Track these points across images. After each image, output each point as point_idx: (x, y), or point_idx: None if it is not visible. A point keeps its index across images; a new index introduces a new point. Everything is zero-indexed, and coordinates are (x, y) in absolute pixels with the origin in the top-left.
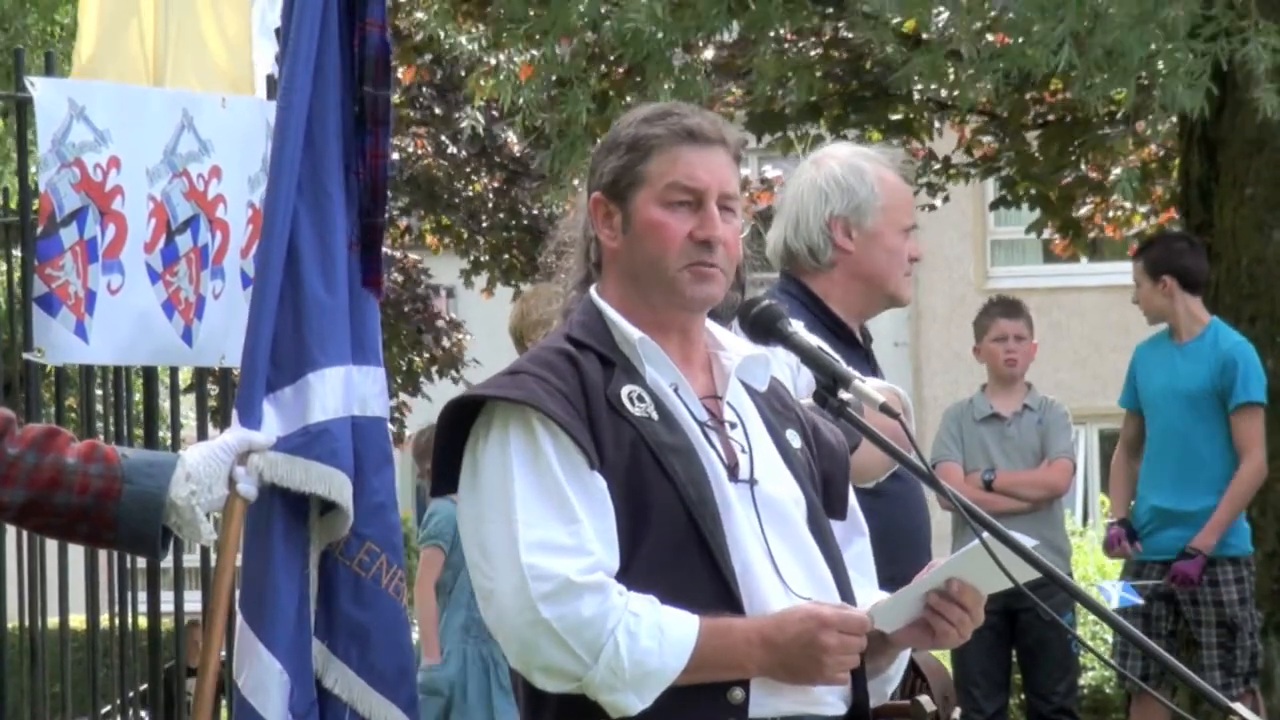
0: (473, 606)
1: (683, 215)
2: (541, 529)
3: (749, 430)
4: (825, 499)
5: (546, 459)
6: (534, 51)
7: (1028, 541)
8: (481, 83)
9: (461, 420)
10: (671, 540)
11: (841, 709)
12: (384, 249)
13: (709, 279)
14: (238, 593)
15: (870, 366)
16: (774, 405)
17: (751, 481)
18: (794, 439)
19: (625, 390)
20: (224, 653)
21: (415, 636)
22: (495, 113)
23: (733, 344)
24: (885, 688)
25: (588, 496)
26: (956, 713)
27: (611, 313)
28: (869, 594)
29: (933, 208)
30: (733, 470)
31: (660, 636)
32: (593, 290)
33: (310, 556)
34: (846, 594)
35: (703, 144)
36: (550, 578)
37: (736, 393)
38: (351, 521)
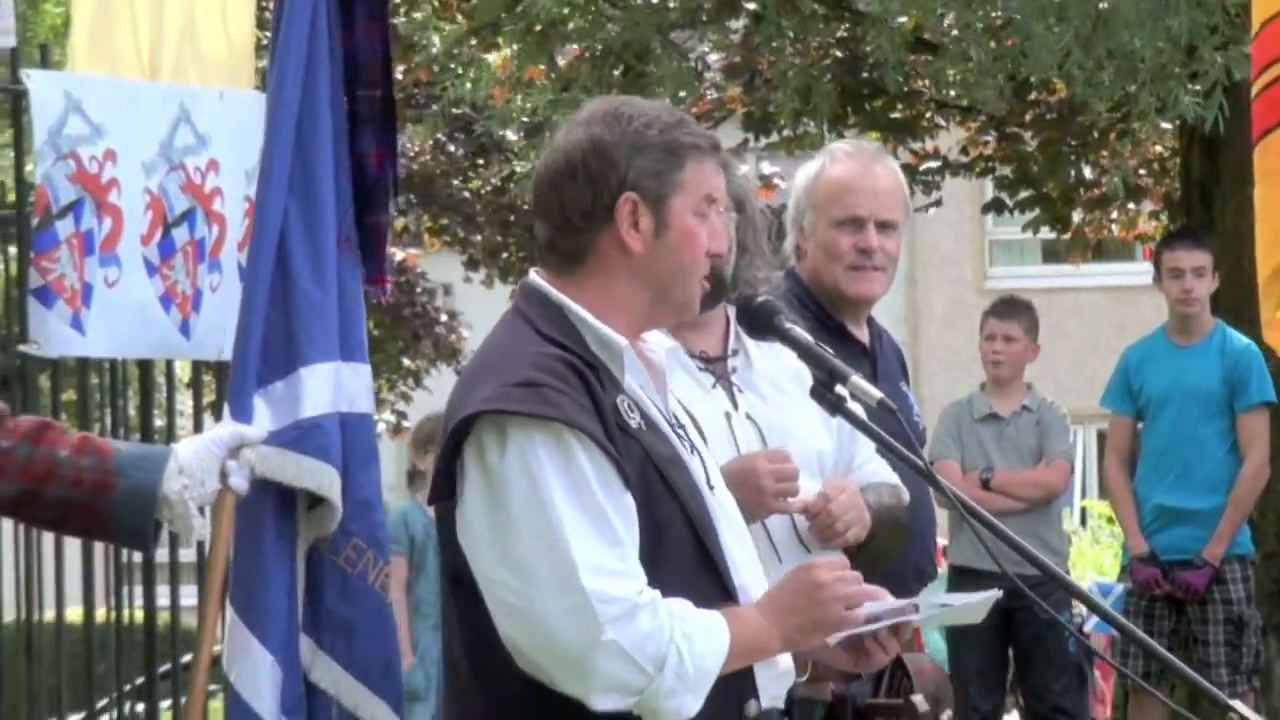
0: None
1: (702, 227)
2: (595, 553)
3: (687, 428)
4: None
5: (585, 478)
6: (514, 45)
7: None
8: (458, 74)
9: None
10: (685, 562)
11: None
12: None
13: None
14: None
15: (869, 360)
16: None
17: (711, 486)
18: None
19: (619, 401)
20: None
21: None
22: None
23: (651, 337)
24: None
25: (625, 517)
26: (947, 714)
27: (586, 315)
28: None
29: (927, 209)
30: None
31: (707, 636)
32: (546, 287)
33: (298, 551)
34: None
35: (715, 155)
36: (615, 601)
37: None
38: (340, 518)
